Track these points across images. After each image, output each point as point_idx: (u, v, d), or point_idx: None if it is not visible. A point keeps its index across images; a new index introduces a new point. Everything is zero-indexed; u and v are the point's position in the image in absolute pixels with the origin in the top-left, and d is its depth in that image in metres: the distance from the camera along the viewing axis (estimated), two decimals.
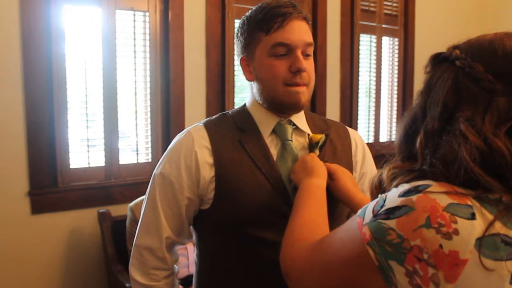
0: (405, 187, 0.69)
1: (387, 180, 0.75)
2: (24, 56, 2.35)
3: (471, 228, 0.63)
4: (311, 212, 0.95)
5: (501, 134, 0.67)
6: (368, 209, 0.72)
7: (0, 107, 2.32)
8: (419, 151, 0.73)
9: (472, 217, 0.63)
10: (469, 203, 0.65)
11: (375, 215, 0.69)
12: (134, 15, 2.69)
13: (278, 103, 1.13)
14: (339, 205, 1.16)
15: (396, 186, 0.72)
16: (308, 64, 1.12)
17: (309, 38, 1.12)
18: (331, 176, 1.12)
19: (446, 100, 0.72)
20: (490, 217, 0.64)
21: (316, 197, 1.00)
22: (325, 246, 0.77)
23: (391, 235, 0.65)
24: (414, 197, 0.66)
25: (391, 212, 0.67)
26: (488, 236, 0.63)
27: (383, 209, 0.68)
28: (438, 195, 0.65)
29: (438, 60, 0.77)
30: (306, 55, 1.12)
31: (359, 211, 0.74)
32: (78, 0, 2.52)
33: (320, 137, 1.17)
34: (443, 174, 0.68)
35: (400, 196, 0.68)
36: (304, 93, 1.12)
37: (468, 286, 0.63)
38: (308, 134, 1.19)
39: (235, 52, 1.22)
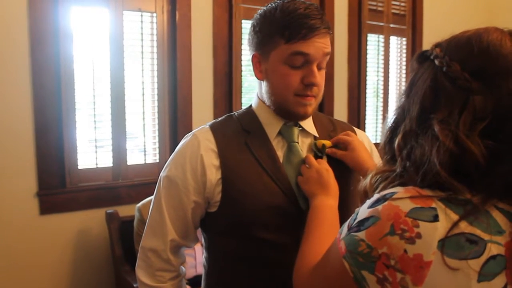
0: (374, 197, 0.71)
1: (370, 188, 0.77)
2: (32, 57, 2.36)
3: (433, 231, 0.64)
4: (322, 238, 0.94)
5: (475, 134, 0.66)
6: (345, 225, 0.74)
7: (8, 108, 2.33)
8: (397, 153, 0.74)
9: (435, 219, 0.64)
10: (433, 205, 0.65)
11: (349, 228, 0.71)
12: (142, 16, 2.70)
13: (285, 111, 1.12)
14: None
15: (380, 191, 0.73)
16: (321, 77, 1.11)
17: (328, 48, 1.09)
18: (346, 147, 1.14)
19: (424, 100, 0.72)
20: (455, 217, 0.64)
21: (330, 221, 1.00)
22: (317, 269, 0.80)
23: (362, 246, 0.68)
24: (380, 207, 0.68)
25: (361, 224, 0.69)
26: (451, 237, 0.63)
27: (355, 222, 0.71)
28: (402, 201, 0.66)
29: (422, 59, 0.76)
30: (320, 68, 1.10)
31: (340, 228, 0.76)
32: (85, 1, 2.53)
33: (323, 143, 1.16)
34: (413, 176, 0.69)
35: (369, 207, 0.70)
36: (312, 105, 1.11)
37: (435, 287, 0.63)
38: (315, 137, 1.19)
39: (247, 45, 1.17)
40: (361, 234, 0.68)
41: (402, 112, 0.76)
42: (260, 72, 1.14)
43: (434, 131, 0.68)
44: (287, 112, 1.12)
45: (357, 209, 0.74)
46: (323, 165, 1.10)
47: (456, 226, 0.64)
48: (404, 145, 0.73)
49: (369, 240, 0.67)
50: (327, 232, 0.96)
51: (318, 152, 1.16)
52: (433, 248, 0.63)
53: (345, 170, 1.16)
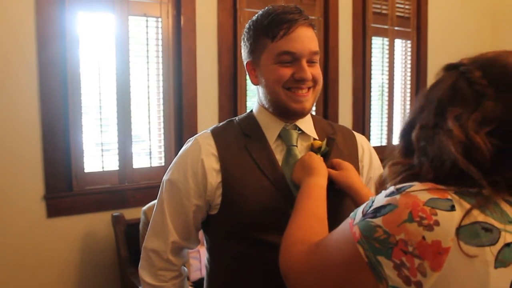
0: (391, 188, 0.74)
1: (390, 176, 0.80)
2: (39, 61, 2.40)
3: (451, 219, 0.67)
4: (308, 214, 0.97)
5: (482, 132, 0.71)
6: (359, 211, 0.77)
7: (16, 112, 2.37)
8: (415, 145, 0.78)
9: (452, 209, 0.68)
10: (449, 197, 0.69)
11: (364, 214, 0.74)
12: (147, 21, 2.73)
13: (282, 108, 1.15)
14: (344, 203, 1.17)
15: (398, 183, 0.77)
16: (314, 70, 1.13)
17: (315, 47, 1.13)
18: (337, 167, 1.15)
19: (442, 97, 0.77)
20: (468, 206, 0.68)
21: (316, 197, 1.02)
22: (322, 248, 0.81)
23: (378, 232, 0.70)
24: (397, 196, 0.71)
25: (378, 211, 0.72)
26: (467, 225, 0.67)
27: (371, 209, 0.74)
28: (419, 192, 0.70)
29: (448, 67, 0.82)
30: (311, 62, 1.13)
31: (352, 213, 0.79)
32: (92, 7, 2.57)
33: (320, 143, 1.17)
34: (432, 168, 0.74)
35: (386, 196, 0.73)
36: (308, 100, 1.13)
37: (453, 272, 0.66)
38: (314, 139, 1.20)
39: (242, 58, 1.23)
40: (378, 221, 0.70)
41: (419, 108, 0.81)
42: (255, 77, 1.18)
43: (448, 125, 0.73)
44: (284, 109, 1.14)
45: (371, 197, 0.77)
46: (307, 154, 1.14)
47: (470, 215, 0.67)
48: (420, 138, 0.77)
49: (386, 227, 0.69)
50: (314, 208, 0.99)
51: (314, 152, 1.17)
52: (451, 235, 0.66)
53: (340, 191, 1.16)
